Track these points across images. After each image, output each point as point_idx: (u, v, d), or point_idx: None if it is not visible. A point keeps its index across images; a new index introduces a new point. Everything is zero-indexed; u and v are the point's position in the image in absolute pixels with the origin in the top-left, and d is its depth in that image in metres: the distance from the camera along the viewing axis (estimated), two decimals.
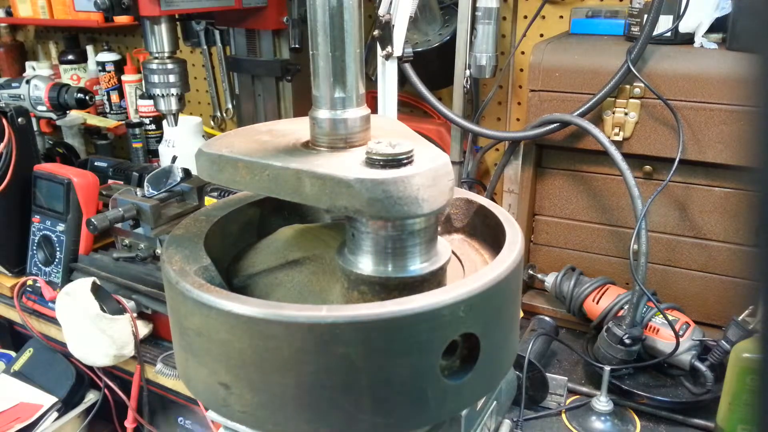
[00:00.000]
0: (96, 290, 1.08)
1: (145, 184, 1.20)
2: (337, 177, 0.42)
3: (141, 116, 1.77)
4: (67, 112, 1.46)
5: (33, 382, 1.25)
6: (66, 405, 1.23)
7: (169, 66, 1.14)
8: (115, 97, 1.90)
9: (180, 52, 1.20)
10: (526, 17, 1.35)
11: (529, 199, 1.15)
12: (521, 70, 1.40)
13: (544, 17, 1.34)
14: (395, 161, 0.42)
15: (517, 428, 0.91)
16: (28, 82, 1.42)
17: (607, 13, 1.17)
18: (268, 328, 0.40)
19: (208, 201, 1.18)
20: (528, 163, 1.13)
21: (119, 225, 1.17)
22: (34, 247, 1.28)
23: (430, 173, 0.43)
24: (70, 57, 1.95)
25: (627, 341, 0.95)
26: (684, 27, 1.01)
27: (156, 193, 1.19)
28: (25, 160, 1.27)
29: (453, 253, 0.54)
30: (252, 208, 0.60)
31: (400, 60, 1.00)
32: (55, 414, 1.20)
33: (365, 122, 0.48)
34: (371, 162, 0.43)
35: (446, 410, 0.45)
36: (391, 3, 0.97)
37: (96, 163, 1.50)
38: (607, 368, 0.91)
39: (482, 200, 0.59)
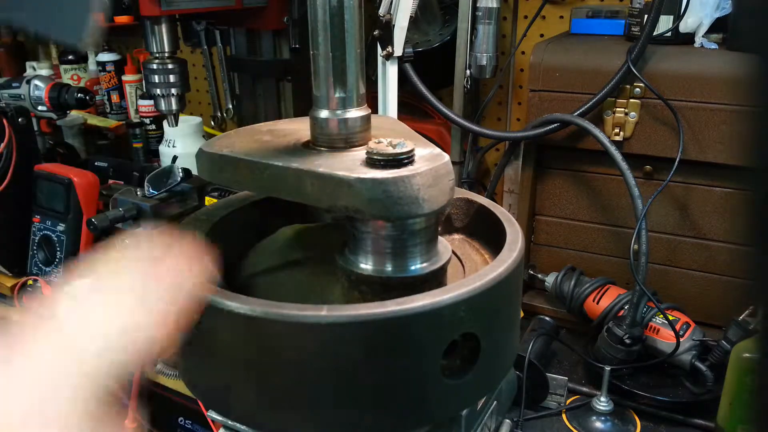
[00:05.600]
0: None
1: (146, 184, 1.20)
2: (337, 177, 0.42)
3: (141, 116, 1.77)
4: (68, 112, 1.46)
5: None
6: None
7: (170, 66, 1.14)
8: (115, 97, 1.90)
9: (180, 52, 1.20)
10: (526, 17, 1.35)
11: (529, 199, 1.15)
12: (521, 70, 1.40)
13: (544, 17, 1.34)
14: (396, 161, 0.42)
15: (517, 428, 0.91)
16: (28, 82, 1.42)
17: (607, 13, 1.17)
18: (269, 328, 0.40)
19: (209, 201, 1.18)
20: (528, 163, 1.13)
21: (120, 225, 1.17)
22: (35, 247, 1.28)
23: (431, 173, 0.43)
24: (71, 57, 1.95)
25: (627, 341, 0.95)
26: (684, 27, 1.01)
27: (156, 193, 1.19)
28: (25, 160, 1.27)
29: (453, 253, 0.54)
30: (252, 208, 0.60)
31: (401, 60, 1.00)
32: None
33: (366, 122, 0.48)
34: (372, 162, 0.43)
35: (446, 410, 0.45)
36: (391, 3, 0.97)
37: (96, 163, 1.49)
38: (608, 368, 0.91)
39: (483, 200, 0.59)
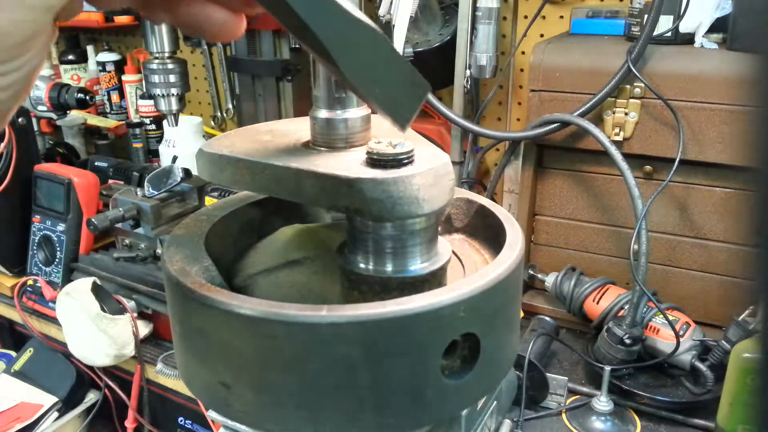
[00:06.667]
0: (96, 290, 1.09)
1: (146, 184, 1.20)
2: (337, 177, 0.42)
3: (141, 116, 1.77)
4: (68, 112, 1.46)
5: (33, 382, 1.25)
6: (66, 405, 1.23)
7: (170, 66, 1.14)
8: (115, 97, 1.90)
9: (180, 52, 1.20)
10: (526, 17, 1.35)
11: (529, 199, 1.15)
12: (521, 70, 1.40)
13: (544, 17, 1.34)
14: (396, 161, 0.42)
15: (517, 428, 0.91)
16: None
17: (607, 13, 1.17)
18: (269, 328, 0.40)
19: (209, 201, 1.18)
20: (528, 163, 1.13)
21: (120, 225, 1.17)
22: (35, 247, 1.28)
23: (431, 173, 0.43)
24: (71, 57, 1.95)
25: (627, 341, 0.95)
26: (684, 27, 1.01)
27: (156, 193, 1.19)
28: (25, 160, 1.27)
29: (453, 253, 0.54)
30: (253, 208, 0.60)
31: None
32: (56, 414, 1.21)
33: (366, 122, 0.48)
34: (372, 162, 0.43)
35: (446, 410, 0.45)
36: (391, 3, 0.97)
37: (96, 163, 1.50)
38: (608, 368, 0.91)
39: (483, 200, 0.59)
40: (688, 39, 1.02)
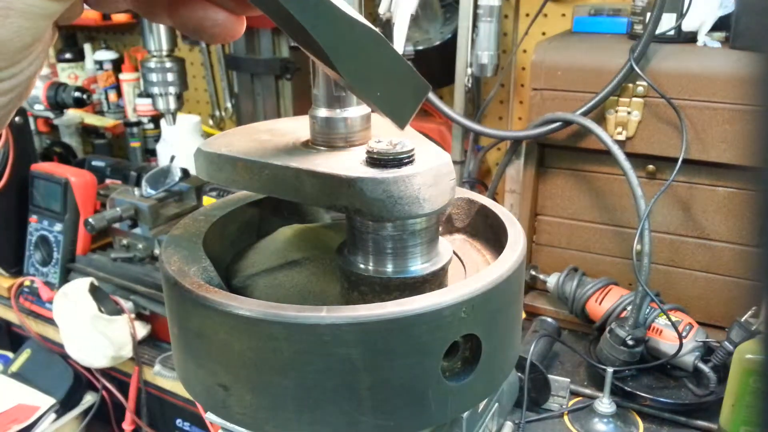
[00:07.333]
0: (94, 291, 1.08)
1: (143, 183, 1.19)
2: (336, 176, 0.41)
3: (139, 115, 1.76)
4: (65, 111, 1.45)
5: (31, 384, 1.24)
6: (64, 407, 1.22)
7: (168, 64, 1.13)
8: (112, 95, 1.89)
9: (178, 50, 1.19)
10: (528, 15, 1.35)
11: (531, 199, 1.14)
12: (523, 68, 1.40)
13: (546, 15, 1.33)
14: (396, 160, 0.42)
15: (519, 430, 0.90)
16: None
17: (609, 11, 1.16)
18: (268, 329, 0.39)
19: (207, 201, 1.17)
20: (530, 162, 1.12)
21: (117, 225, 1.16)
22: (32, 248, 1.28)
23: (432, 173, 0.42)
24: (68, 55, 1.94)
25: (630, 342, 0.94)
26: (687, 25, 1.00)
27: (154, 192, 1.18)
28: (22, 160, 1.26)
29: (454, 253, 0.54)
30: (251, 208, 0.60)
31: None
32: (53, 416, 1.20)
33: (366, 121, 0.47)
34: (372, 161, 0.42)
35: (447, 412, 0.45)
36: (391, 1, 0.97)
37: (93, 163, 1.49)
38: (610, 370, 0.91)
39: (484, 200, 0.59)
40: (691, 37, 1.01)
